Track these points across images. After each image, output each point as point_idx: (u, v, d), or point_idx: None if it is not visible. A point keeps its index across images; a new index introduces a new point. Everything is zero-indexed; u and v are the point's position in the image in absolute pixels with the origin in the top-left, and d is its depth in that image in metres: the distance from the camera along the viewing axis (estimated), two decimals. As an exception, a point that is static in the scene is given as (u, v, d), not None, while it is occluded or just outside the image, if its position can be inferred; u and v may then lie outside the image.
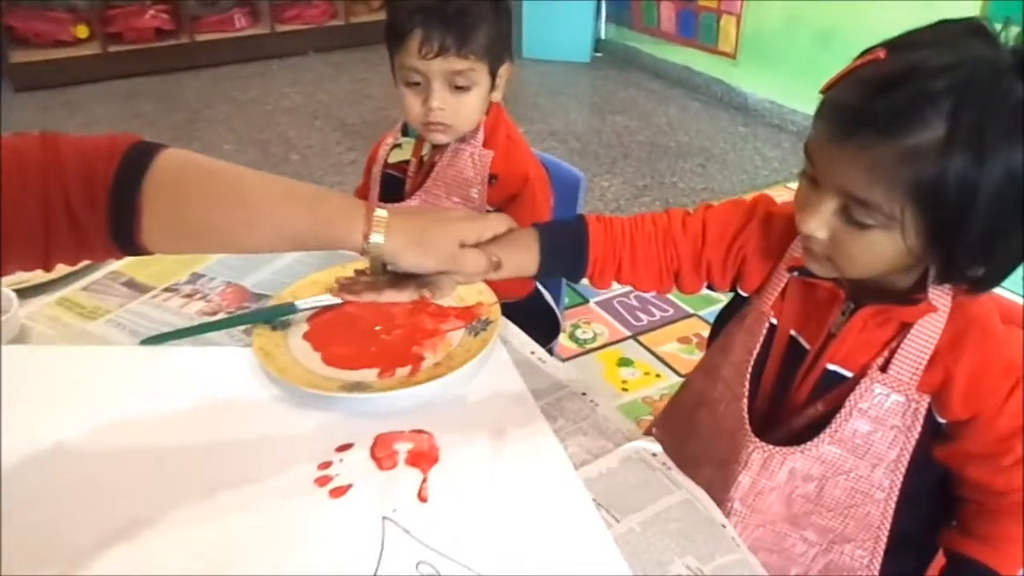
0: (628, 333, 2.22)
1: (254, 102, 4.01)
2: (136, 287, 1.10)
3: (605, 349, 2.15)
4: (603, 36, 4.69)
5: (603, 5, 4.60)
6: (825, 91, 0.71)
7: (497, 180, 1.20)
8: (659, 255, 0.89)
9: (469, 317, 0.97)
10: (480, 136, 1.21)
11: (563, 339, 2.16)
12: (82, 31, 4.23)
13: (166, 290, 1.10)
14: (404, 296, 0.84)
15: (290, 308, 0.98)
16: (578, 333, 2.21)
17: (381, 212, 0.76)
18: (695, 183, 3.19)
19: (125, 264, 1.13)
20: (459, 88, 1.13)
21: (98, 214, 0.67)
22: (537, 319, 1.05)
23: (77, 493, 0.75)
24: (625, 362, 2.10)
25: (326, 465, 0.78)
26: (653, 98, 4.07)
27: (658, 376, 2.02)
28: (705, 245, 0.88)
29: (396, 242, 0.76)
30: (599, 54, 4.66)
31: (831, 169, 0.70)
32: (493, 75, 1.17)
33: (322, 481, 0.77)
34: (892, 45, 0.68)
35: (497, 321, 0.96)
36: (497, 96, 1.21)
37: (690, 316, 2.27)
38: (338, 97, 4.07)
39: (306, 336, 0.97)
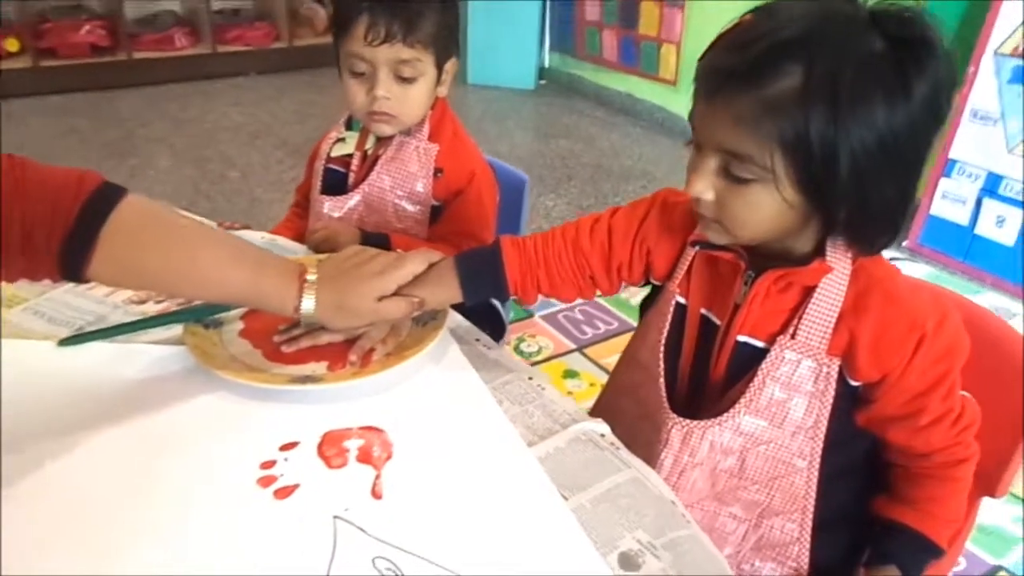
0: (573, 346, 2.21)
1: (193, 120, 3.93)
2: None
3: (550, 362, 2.14)
4: (547, 64, 4.75)
5: (547, 34, 4.67)
6: (700, 60, 0.74)
7: (443, 174, 1.19)
8: (572, 268, 0.92)
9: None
10: (426, 130, 1.19)
11: (508, 352, 2.14)
12: (12, 44, 4.10)
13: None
14: (340, 336, 0.91)
15: (223, 306, 0.94)
16: (523, 347, 2.20)
17: (311, 277, 0.83)
18: (638, 204, 3.22)
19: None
20: (405, 79, 1.12)
21: (53, 246, 0.71)
22: (482, 320, 1.03)
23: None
24: (571, 374, 2.09)
25: (269, 464, 0.73)
26: (597, 124, 4.13)
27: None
28: (612, 249, 0.91)
29: (322, 310, 0.83)
30: (543, 81, 4.72)
31: (706, 128, 0.73)
32: (439, 68, 1.16)
33: (265, 481, 0.71)
34: (757, 10, 0.72)
35: (445, 310, 0.94)
36: (443, 91, 1.20)
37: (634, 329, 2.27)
38: (281, 117, 4.02)
39: (243, 334, 0.93)
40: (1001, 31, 2.51)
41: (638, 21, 4.03)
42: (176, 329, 0.91)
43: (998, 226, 2.62)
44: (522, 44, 4.58)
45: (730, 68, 0.68)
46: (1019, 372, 0.90)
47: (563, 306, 2.40)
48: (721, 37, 0.72)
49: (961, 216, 2.71)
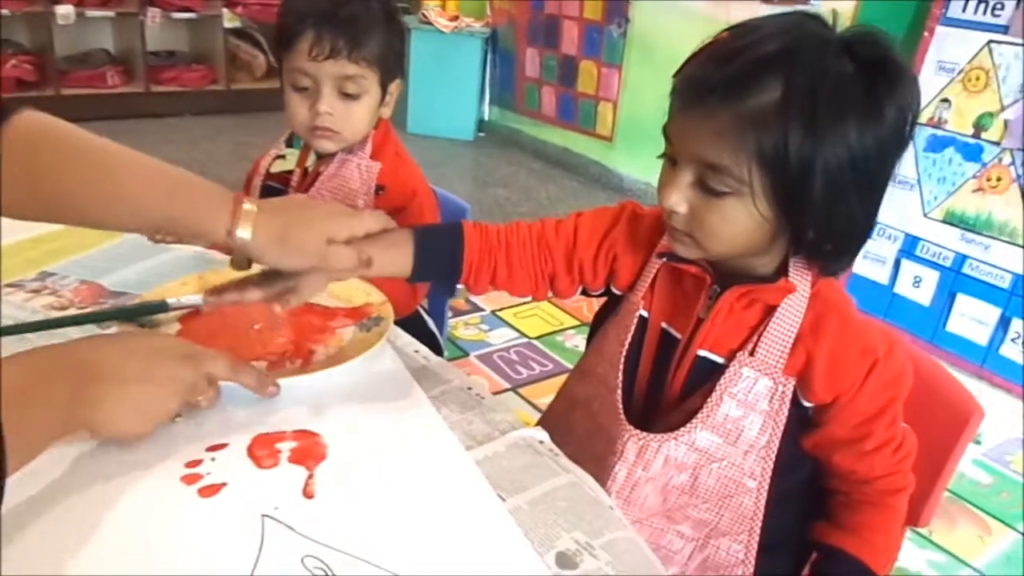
0: (508, 385, 2.20)
1: (123, 157, 3.84)
2: (-27, 283, 0.99)
3: (484, 402, 2.12)
4: (487, 117, 4.83)
5: (487, 88, 4.77)
6: (676, 75, 0.75)
7: (384, 191, 1.18)
8: (534, 259, 0.89)
9: (359, 316, 0.94)
10: (368, 148, 1.19)
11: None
12: (-66, 74, 3.97)
13: (9, 286, 0.99)
14: (270, 294, 0.79)
15: (160, 306, 0.90)
16: (457, 387, 2.17)
17: (249, 206, 0.73)
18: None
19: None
20: (348, 96, 1.12)
21: None
22: (419, 340, 1.02)
23: None
24: (504, 414, 2.07)
25: (195, 463, 0.70)
26: (534, 176, 4.19)
27: (537, 426, 2.00)
28: (576, 246, 0.90)
29: (261, 238, 0.73)
30: (482, 134, 4.79)
31: (683, 140, 0.73)
32: (383, 88, 1.16)
33: (190, 479, 0.68)
34: (733, 28, 0.73)
35: (388, 318, 0.92)
36: (386, 113, 1.21)
37: (569, 371, 2.27)
38: (216, 157, 3.96)
39: (180, 334, 0.89)
40: (916, 101, 2.67)
41: (576, 79, 4.15)
42: (109, 329, 0.87)
43: (915, 286, 2.73)
44: (463, 97, 4.65)
45: (712, 81, 0.69)
46: (943, 404, 0.93)
47: (499, 346, 2.40)
48: (699, 52, 0.73)
49: (881, 275, 2.82)
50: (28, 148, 0.67)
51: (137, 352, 0.68)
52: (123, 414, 0.66)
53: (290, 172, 1.22)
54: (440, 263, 0.86)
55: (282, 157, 1.24)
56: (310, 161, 1.22)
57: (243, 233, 0.72)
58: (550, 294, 0.93)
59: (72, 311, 0.94)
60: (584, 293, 0.94)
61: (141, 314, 0.89)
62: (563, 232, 0.90)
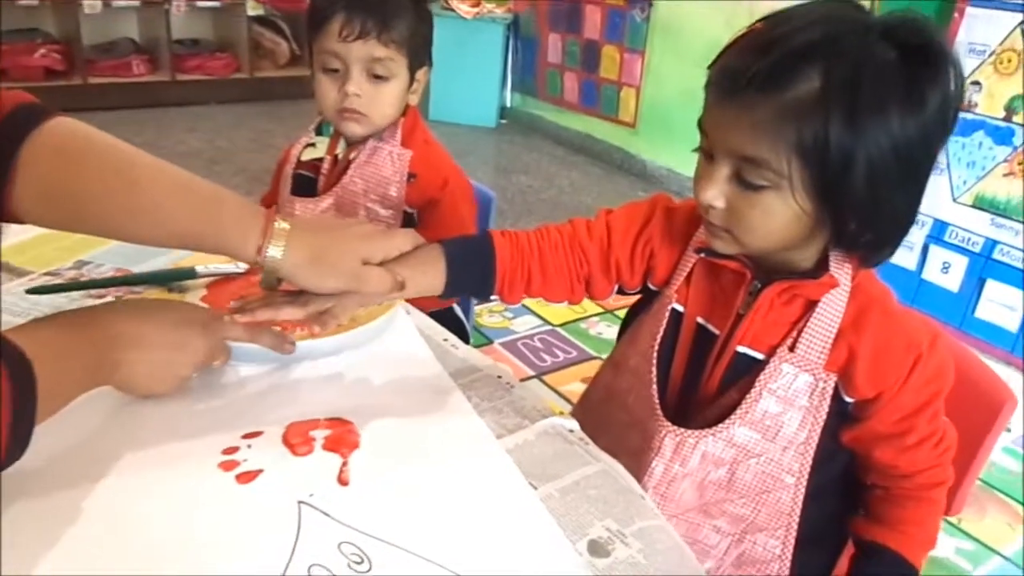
0: (532, 373, 2.21)
1: (148, 145, 3.70)
2: (12, 271, 1.01)
3: (509, 388, 2.13)
4: (508, 104, 4.82)
5: (508, 74, 4.75)
6: (711, 66, 0.73)
7: (416, 178, 1.19)
8: (568, 262, 0.87)
9: None
10: (398, 136, 1.19)
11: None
12: (-36, 64, 4.02)
13: (46, 274, 1.01)
14: (304, 313, 0.77)
15: (189, 272, 0.94)
16: (481, 373, 2.19)
17: (282, 224, 0.71)
18: (596, 241, 3.25)
19: None
20: (377, 77, 1.13)
21: None
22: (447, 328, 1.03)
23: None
24: (529, 400, 2.08)
25: (232, 450, 0.71)
26: (556, 162, 4.18)
27: (561, 413, 1.99)
28: (611, 246, 0.88)
29: (294, 259, 0.71)
30: (504, 120, 4.77)
31: (720, 133, 0.72)
32: (412, 73, 1.17)
33: (227, 466, 0.69)
34: (769, 17, 0.71)
35: None
36: (414, 100, 1.21)
37: (593, 359, 2.29)
38: (240, 145, 3.98)
39: (204, 299, 0.92)
40: (947, 84, 2.62)
41: (599, 65, 4.13)
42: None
43: (943, 272, 2.70)
44: (484, 84, 4.64)
45: (749, 72, 0.66)
46: (975, 392, 0.91)
47: (523, 333, 2.41)
48: (734, 43, 0.71)
49: (909, 261, 2.78)
50: (54, 157, 0.66)
51: (160, 321, 0.73)
52: (145, 376, 0.72)
53: (320, 160, 1.23)
54: (472, 277, 0.84)
55: (312, 145, 1.25)
56: (340, 148, 1.23)
57: (274, 252, 0.70)
58: (586, 298, 0.91)
59: (109, 298, 0.95)
60: (620, 292, 0.92)
61: (171, 279, 0.93)
62: (596, 232, 0.88)
